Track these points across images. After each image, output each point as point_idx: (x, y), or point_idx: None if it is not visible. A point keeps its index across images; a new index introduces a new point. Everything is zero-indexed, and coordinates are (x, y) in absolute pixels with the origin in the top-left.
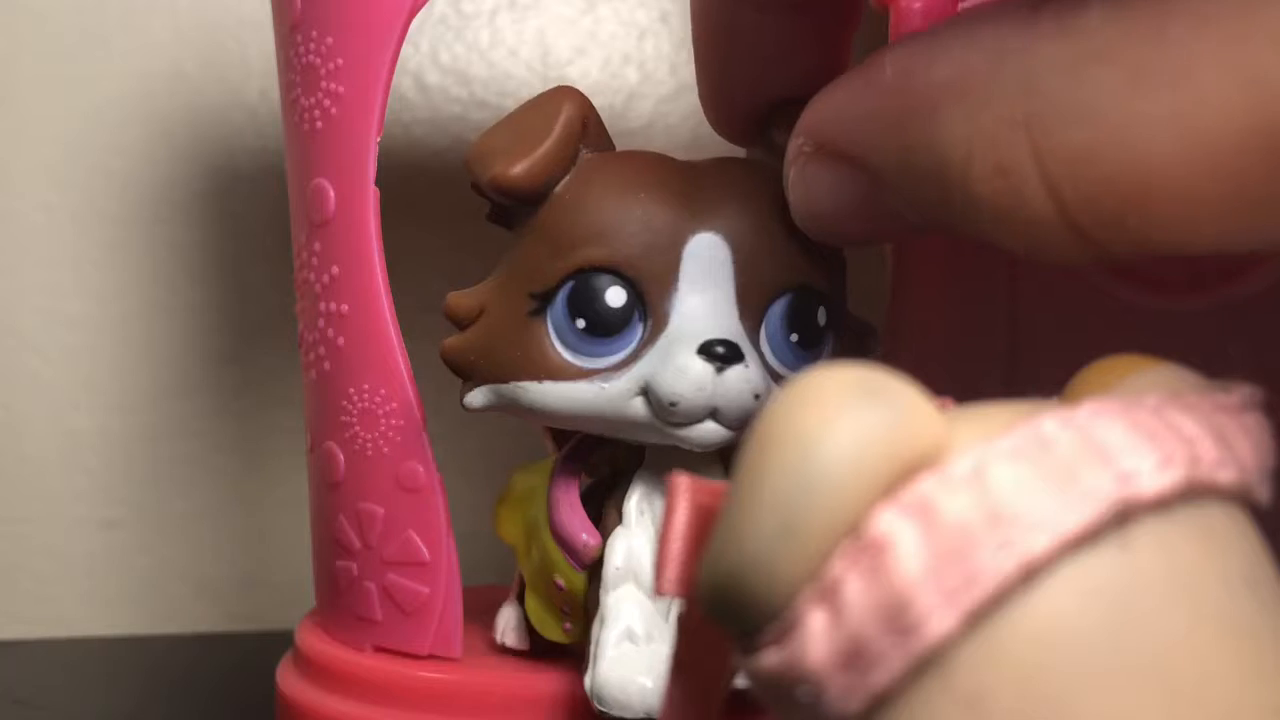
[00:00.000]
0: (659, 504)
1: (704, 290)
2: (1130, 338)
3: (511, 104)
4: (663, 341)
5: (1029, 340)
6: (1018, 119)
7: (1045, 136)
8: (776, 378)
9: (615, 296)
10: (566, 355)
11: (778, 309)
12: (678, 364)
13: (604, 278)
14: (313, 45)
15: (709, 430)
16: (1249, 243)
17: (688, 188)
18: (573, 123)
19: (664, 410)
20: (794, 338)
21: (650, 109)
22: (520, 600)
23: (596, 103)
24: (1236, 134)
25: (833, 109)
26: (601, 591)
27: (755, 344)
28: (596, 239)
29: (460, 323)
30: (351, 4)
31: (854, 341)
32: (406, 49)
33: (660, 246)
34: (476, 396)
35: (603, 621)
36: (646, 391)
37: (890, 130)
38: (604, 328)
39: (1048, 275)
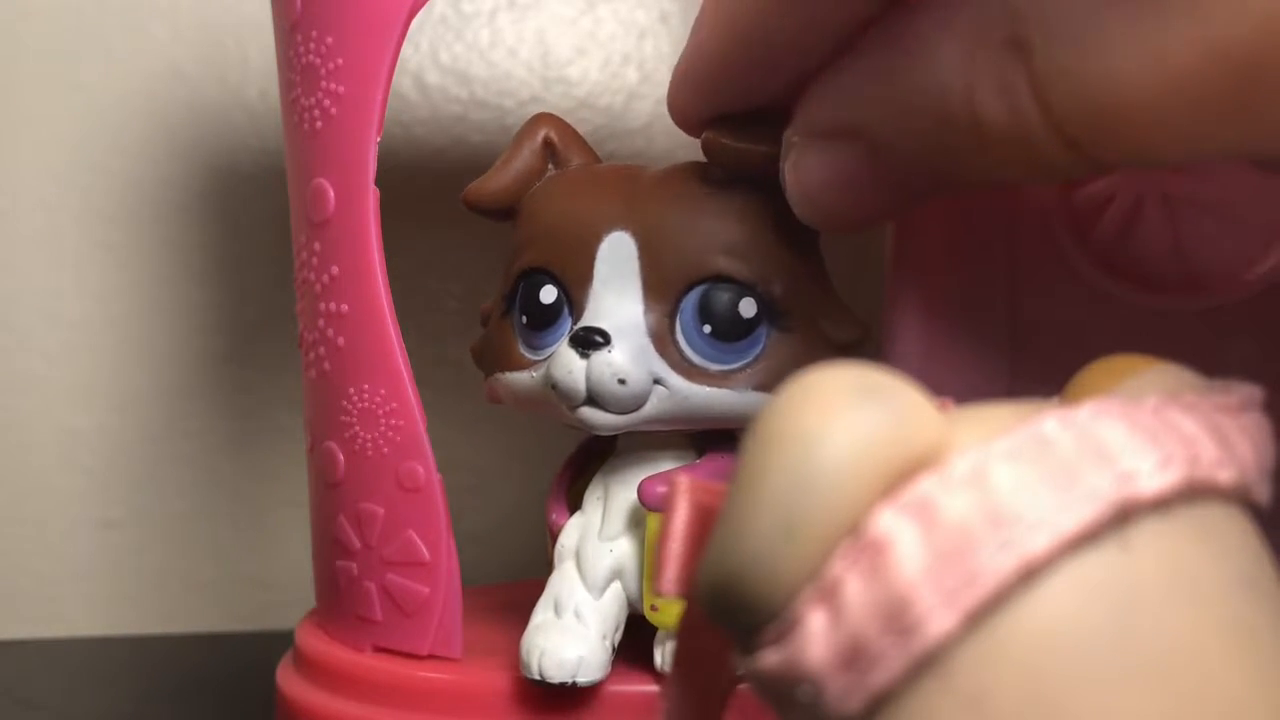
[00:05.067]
0: (615, 491)
1: (612, 285)
2: (1130, 338)
3: (511, 104)
4: None
5: (1029, 340)
6: (1007, 41)
7: (1032, 56)
8: (693, 369)
9: (547, 294)
10: (521, 349)
11: (690, 301)
12: (557, 351)
13: (538, 277)
14: (313, 45)
15: (594, 414)
16: (1215, 154)
17: (622, 193)
18: (535, 146)
19: (554, 394)
20: (706, 329)
21: (650, 109)
22: None
23: (596, 103)
24: (1195, 59)
25: (817, 92)
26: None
27: (670, 335)
28: (534, 244)
29: (484, 325)
30: (351, 4)
31: (828, 337)
32: (406, 49)
33: (579, 247)
34: (487, 388)
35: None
36: None
37: (882, 84)
38: (540, 321)
39: (1048, 275)
